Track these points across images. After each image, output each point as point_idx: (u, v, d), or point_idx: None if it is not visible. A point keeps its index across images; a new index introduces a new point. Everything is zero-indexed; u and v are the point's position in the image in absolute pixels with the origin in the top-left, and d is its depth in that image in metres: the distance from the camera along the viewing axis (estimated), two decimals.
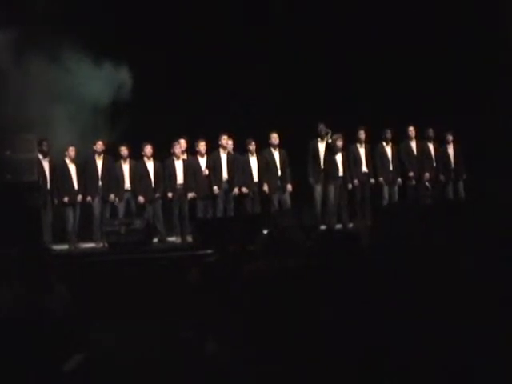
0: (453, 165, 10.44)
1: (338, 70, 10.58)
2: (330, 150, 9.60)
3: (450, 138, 10.48)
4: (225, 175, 9.55)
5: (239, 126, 9.76)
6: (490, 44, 10.46)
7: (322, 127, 9.56)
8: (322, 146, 9.67)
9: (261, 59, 10.41)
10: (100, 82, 9.33)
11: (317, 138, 9.69)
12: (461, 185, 10.47)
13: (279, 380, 2.29)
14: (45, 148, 9.06)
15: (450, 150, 10.50)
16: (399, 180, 10.23)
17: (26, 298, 2.73)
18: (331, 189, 9.66)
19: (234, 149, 9.82)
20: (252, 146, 9.66)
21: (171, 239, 9.53)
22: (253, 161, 9.70)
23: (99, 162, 9.49)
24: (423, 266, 2.78)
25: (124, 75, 9.69)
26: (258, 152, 9.72)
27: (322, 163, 9.63)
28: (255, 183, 9.65)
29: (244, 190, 9.56)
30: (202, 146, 9.56)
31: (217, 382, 2.27)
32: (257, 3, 10.61)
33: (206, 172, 9.55)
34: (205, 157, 9.60)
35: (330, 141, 9.54)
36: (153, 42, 10.10)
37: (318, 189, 9.63)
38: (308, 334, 2.40)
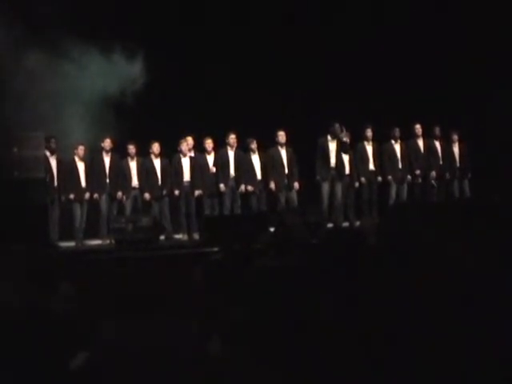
0: (458, 163, 10.44)
1: (345, 68, 10.56)
2: (343, 148, 9.59)
3: (456, 136, 10.48)
4: (232, 173, 9.58)
5: (246, 124, 9.75)
6: (494, 43, 10.42)
7: (337, 126, 9.54)
8: (331, 144, 9.65)
9: (268, 57, 10.40)
10: (110, 79, 9.32)
11: (326, 136, 9.67)
12: (466, 183, 10.46)
13: (281, 379, 2.29)
14: (52, 145, 9.07)
15: (456, 149, 10.51)
16: (409, 177, 10.22)
17: (32, 296, 2.74)
18: (339, 187, 9.65)
19: (237, 147, 9.81)
20: (254, 145, 9.68)
21: (178, 236, 9.55)
22: (255, 159, 9.71)
23: (107, 160, 9.49)
24: (430, 265, 2.77)
25: (135, 73, 9.68)
26: (263, 150, 9.73)
27: (332, 161, 9.62)
28: (259, 181, 9.67)
29: (249, 188, 9.57)
30: (208, 144, 9.59)
31: (219, 382, 2.28)
32: (263, 2, 10.60)
33: (213, 170, 9.58)
34: (212, 154, 9.64)
35: (344, 139, 9.53)
36: (161, 40, 10.10)
37: (326, 187, 9.62)
38: (311, 333, 2.40)
